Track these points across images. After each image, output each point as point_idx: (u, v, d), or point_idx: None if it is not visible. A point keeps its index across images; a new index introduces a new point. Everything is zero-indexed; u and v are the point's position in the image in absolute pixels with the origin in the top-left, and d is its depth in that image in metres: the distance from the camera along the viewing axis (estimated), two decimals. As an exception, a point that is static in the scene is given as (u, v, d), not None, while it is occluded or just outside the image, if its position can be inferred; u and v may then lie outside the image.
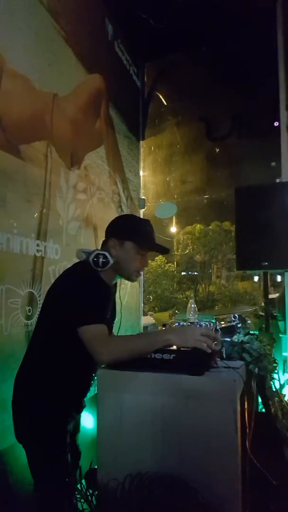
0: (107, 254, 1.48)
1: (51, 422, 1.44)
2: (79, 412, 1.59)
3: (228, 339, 1.55)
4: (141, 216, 4.09)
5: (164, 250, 1.64)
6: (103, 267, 1.47)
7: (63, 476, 1.40)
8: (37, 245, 2.16)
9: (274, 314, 4.02)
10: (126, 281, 1.64)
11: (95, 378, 1.40)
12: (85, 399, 1.61)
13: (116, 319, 1.74)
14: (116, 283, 1.68)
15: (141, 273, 1.60)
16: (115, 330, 1.72)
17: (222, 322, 1.79)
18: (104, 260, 1.47)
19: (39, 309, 2.12)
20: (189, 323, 1.76)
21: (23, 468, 1.49)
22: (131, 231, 1.54)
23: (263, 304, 3.20)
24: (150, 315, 10.57)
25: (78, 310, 1.38)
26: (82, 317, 1.35)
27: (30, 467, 1.44)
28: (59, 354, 1.46)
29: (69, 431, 1.50)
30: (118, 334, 1.72)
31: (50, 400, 1.45)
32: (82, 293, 1.40)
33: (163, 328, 1.64)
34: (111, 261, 1.48)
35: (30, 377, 1.50)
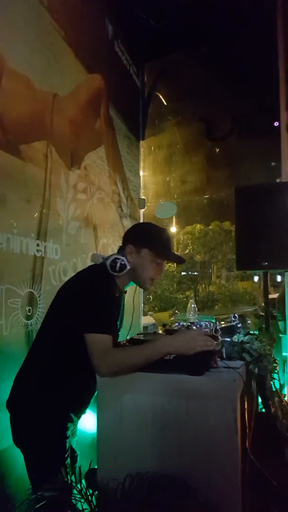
0: (124, 259, 1.50)
1: (52, 427, 1.43)
2: (78, 417, 1.57)
3: (228, 339, 1.55)
4: (141, 216, 4.09)
5: (180, 260, 1.66)
6: (120, 272, 1.49)
7: (63, 481, 1.39)
8: (37, 245, 2.16)
9: (274, 314, 4.02)
10: None
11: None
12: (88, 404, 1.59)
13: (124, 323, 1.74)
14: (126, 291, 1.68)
15: (155, 281, 1.60)
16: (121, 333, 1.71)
17: (222, 322, 1.79)
18: (121, 265, 1.49)
19: (39, 309, 2.12)
20: (189, 323, 1.76)
21: (22, 469, 1.48)
22: (148, 240, 1.56)
23: (263, 304, 3.20)
24: (150, 315, 10.57)
25: (88, 316, 1.37)
26: (90, 324, 1.36)
27: (29, 471, 1.43)
28: (63, 357, 1.45)
29: (69, 436, 1.49)
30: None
31: (52, 405, 1.43)
32: (94, 299, 1.40)
33: (163, 334, 1.65)
34: (128, 267, 1.50)
35: (32, 380, 1.48)
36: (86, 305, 1.39)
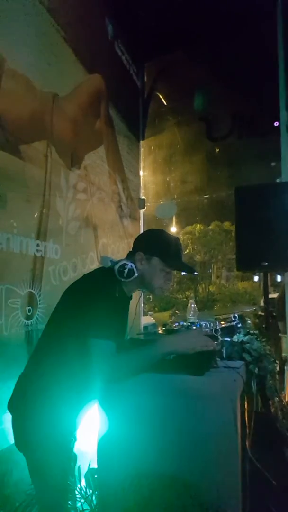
0: (133, 266, 1.49)
1: (58, 431, 1.41)
2: (81, 419, 1.55)
3: (228, 339, 1.55)
4: (141, 216, 4.09)
5: (190, 270, 1.64)
6: (127, 278, 1.48)
7: (67, 482, 1.38)
8: (37, 245, 2.16)
9: (274, 314, 4.03)
10: None
11: None
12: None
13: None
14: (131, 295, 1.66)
15: (165, 289, 1.58)
16: None
17: (222, 322, 1.79)
18: (129, 271, 1.47)
19: (39, 309, 2.12)
20: (189, 323, 1.76)
21: (23, 469, 1.48)
22: (159, 248, 1.53)
23: (262, 303, 3.21)
24: (150, 315, 10.57)
25: (92, 322, 1.36)
26: (94, 329, 1.34)
27: (32, 474, 1.41)
28: (67, 360, 1.42)
29: (73, 440, 1.49)
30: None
31: (57, 409, 1.41)
32: (99, 304, 1.39)
33: (163, 334, 1.64)
34: (136, 274, 1.49)
35: (36, 383, 1.46)
36: (91, 310, 1.37)
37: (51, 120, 2.30)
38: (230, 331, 1.70)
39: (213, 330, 1.49)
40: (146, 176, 4.34)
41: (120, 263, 1.49)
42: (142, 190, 4.16)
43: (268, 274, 2.99)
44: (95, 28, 3.05)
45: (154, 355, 1.30)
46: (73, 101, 2.58)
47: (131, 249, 1.63)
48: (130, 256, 1.56)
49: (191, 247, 17.89)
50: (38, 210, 2.19)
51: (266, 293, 3.07)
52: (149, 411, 1.30)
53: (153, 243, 1.56)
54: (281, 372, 3.20)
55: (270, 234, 2.75)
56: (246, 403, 1.40)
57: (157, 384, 1.30)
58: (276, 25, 3.39)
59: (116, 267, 1.48)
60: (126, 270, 1.47)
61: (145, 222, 4.14)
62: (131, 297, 1.65)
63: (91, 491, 1.24)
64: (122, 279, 1.48)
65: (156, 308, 15.48)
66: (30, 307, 2.07)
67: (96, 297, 1.41)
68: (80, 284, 1.53)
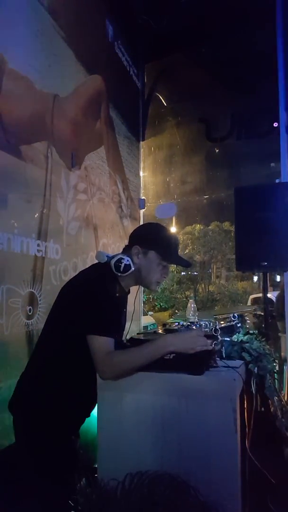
0: (129, 260, 1.47)
1: (60, 431, 1.42)
2: (83, 420, 1.55)
3: (228, 339, 1.56)
4: (141, 216, 4.10)
5: (186, 264, 1.64)
6: (124, 272, 1.46)
7: (71, 480, 1.39)
8: (38, 245, 2.17)
9: (273, 314, 4.04)
10: None
11: None
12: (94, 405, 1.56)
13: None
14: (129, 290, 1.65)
15: (161, 283, 1.56)
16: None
17: (222, 322, 1.79)
18: (125, 266, 1.45)
19: (40, 309, 2.13)
20: (188, 323, 1.76)
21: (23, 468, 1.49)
22: (156, 242, 1.52)
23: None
24: (150, 314, 10.57)
25: (90, 318, 1.36)
26: (92, 326, 1.34)
27: (34, 473, 1.41)
28: (67, 358, 1.43)
29: (74, 439, 1.50)
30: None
31: (59, 409, 1.41)
32: (97, 300, 1.38)
33: (163, 334, 1.64)
34: (133, 268, 1.47)
35: (37, 383, 1.46)
36: (88, 307, 1.37)
37: (51, 121, 2.31)
38: (229, 330, 1.70)
39: (213, 329, 1.49)
40: (146, 176, 4.35)
41: (116, 258, 1.47)
42: (142, 191, 4.17)
43: (268, 274, 3.00)
44: (95, 29, 3.06)
45: (153, 354, 1.30)
46: (73, 102, 2.59)
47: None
48: (126, 250, 1.54)
49: (190, 247, 17.86)
50: (39, 211, 2.20)
51: (265, 293, 3.08)
52: (149, 410, 1.31)
53: (150, 237, 1.55)
54: (281, 371, 3.21)
55: (270, 234, 2.76)
56: (245, 402, 1.40)
57: (157, 383, 1.31)
58: (276, 26, 3.40)
59: (112, 262, 1.46)
60: (122, 265, 1.45)
61: (145, 222, 4.15)
62: (128, 292, 1.64)
63: (91, 489, 1.24)
64: (119, 274, 1.46)
65: (156, 308, 15.48)
66: (30, 307, 2.08)
67: (93, 293, 1.40)
68: (76, 281, 1.52)
